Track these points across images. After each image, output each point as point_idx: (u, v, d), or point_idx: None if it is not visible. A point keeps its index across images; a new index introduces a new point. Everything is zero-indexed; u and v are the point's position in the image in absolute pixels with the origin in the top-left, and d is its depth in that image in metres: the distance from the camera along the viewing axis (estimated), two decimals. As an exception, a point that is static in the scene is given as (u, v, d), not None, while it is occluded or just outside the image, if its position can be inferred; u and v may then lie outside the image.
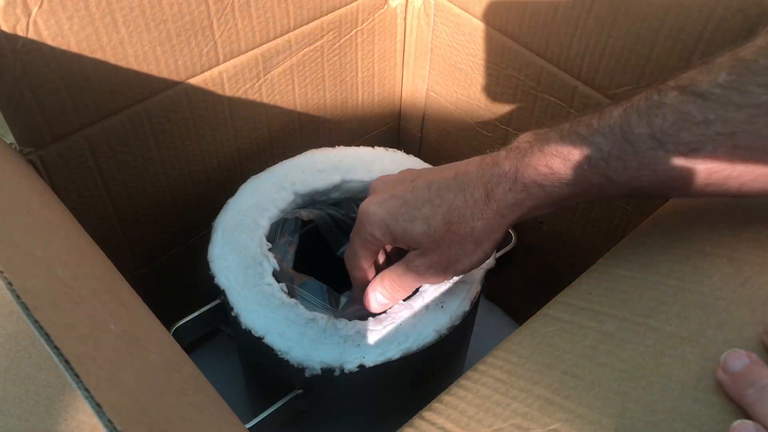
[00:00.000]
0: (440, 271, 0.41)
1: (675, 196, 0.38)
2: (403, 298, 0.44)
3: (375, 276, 0.45)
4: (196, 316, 0.46)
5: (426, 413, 0.33)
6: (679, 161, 0.32)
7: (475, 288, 0.46)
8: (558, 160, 0.35)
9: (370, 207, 0.41)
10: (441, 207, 0.39)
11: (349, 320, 0.44)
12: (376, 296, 0.44)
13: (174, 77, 0.46)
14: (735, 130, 0.30)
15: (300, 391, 0.44)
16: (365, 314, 0.45)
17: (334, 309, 0.48)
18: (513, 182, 0.37)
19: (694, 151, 0.32)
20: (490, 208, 0.38)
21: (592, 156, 0.34)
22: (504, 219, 0.38)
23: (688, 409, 0.28)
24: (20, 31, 0.37)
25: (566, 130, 0.36)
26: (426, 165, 0.54)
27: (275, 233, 0.51)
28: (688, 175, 0.32)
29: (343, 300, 0.47)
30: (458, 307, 0.45)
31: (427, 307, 0.45)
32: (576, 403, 0.30)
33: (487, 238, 0.39)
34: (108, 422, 0.18)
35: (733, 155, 0.31)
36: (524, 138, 0.38)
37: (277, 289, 0.45)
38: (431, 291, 0.45)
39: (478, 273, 0.46)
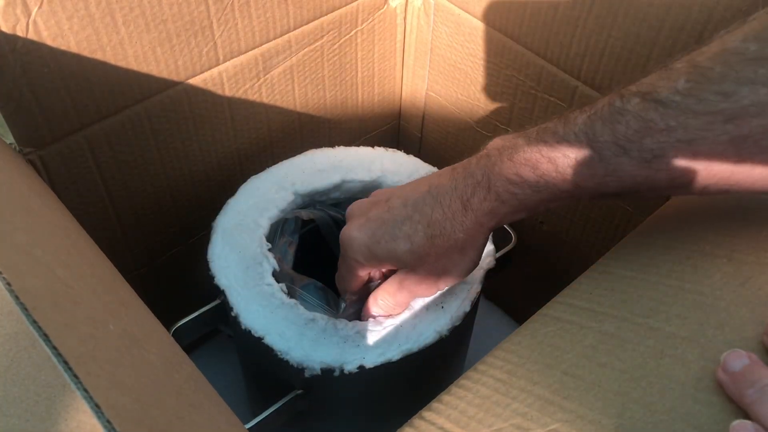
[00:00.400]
0: (431, 285, 0.42)
1: (642, 199, 0.39)
2: (400, 312, 0.44)
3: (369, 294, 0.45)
4: (196, 316, 0.46)
5: (426, 413, 0.33)
6: (642, 168, 0.33)
7: (476, 288, 0.46)
8: (527, 169, 0.36)
9: (350, 233, 0.41)
10: (421, 222, 0.39)
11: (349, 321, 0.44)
12: (374, 314, 0.45)
13: (174, 77, 0.46)
14: (694, 137, 0.31)
15: (300, 392, 0.44)
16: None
17: (333, 311, 0.48)
18: (487, 191, 0.37)
19: (657, 157, 0.32)
20: (468, 219, 0.38)
21: (558, 164, 0.35)
22: (483, 227, 0.38)
23: (688, 409, 0.28)
24: (20, 32, 0.37)
25: (533, 137, 0.36)
26: (426, 165, 0.54)
27: (275, 233, 0.51)
28: (652, 180, 0.33)
29: (343, 305, 0.48)
30: (459, 307, 0.45)
31: (427, 307, 0.45)
32: (576, 404, 0.30)
33: (471, 246, 0.39)
34: (107, 422, 0.18)
35: (693, 161, 0.32)
36: (493, 144, 0.38)
37: (277, 289, 0.45)
38: (431, 291, 0.45)
39: (478, 273, 0.46)
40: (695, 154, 0.31)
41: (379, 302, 0.44)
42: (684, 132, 0.31)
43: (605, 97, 0.34)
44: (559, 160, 0.35)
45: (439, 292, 0.44)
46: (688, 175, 0.32)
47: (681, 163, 0.32)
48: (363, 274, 0.44)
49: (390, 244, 0.40)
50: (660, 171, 0.32)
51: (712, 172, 0.32)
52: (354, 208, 0.44)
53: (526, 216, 0.38)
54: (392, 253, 0.40)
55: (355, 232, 0.41)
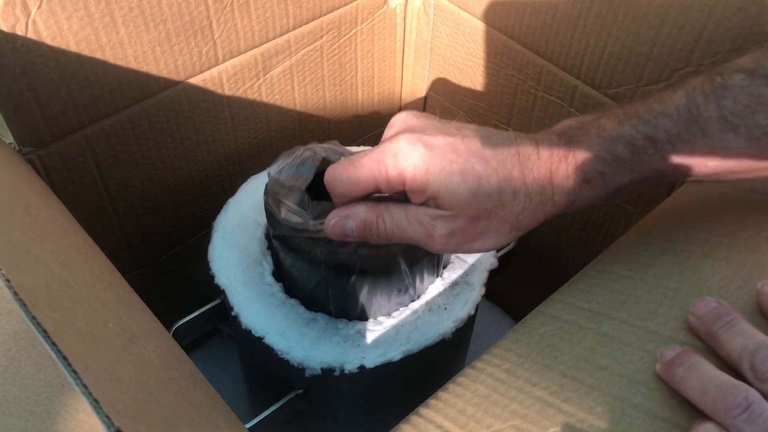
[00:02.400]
0: (458, 244, 0.35)
1: (738, 180, 0.36)
2: (384, 241, 0.36)
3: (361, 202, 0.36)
4: (196, 316, 0.46)
5: (423, 410, 0.33)
6: (750, 144, 0.31)
7: (480, 291, 0.46)
8: (620, 146, 0.33)
9: (414, 145, 0.33)
10: (498, 171, 0.33)
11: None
12: (347, 224, 0.36)
13: (173, 77, 0.46)
14: None
15: (300, 391, 0.44)
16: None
17: (307, 213, 0.40)
18: (572, 170, 0.33)
19: (766, 134, 0.31)
20: (546, 193, 0.34)
21: (658, 139, 0.32)
22: (555, 207, 0.34)
23: (688, 417, 0.28)
24: (19, 31, 0.37)
25: (621, 114, 0.33)
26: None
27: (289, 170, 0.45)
28: (757, 158, 0.31)
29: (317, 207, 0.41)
30: (462, 309, 0.44)
31: (429, 308, 0.44)
32: (575, 407, 0.30)
33: (527, 225, 0.35)
34: (106, 418, 0.18)
35: None
36: (568, 123, 0.35)
37: (278, 288, 0.45)
38: (433, 292, 0.45)
39: (482, 275, 0.46)
40: None
41: (371, 216, 0.35)
42: None
43: (698, 77, 0.32)
44: (659, 134, 0.32)
45: (443, 286, 0.44)
46: None
47: None
48: (384, 189, 0.35)
49: (454, 177, 0.33)
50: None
51: None
52: (408, 119, 0.36)
53: (600, 203, 0.35)
54: (452, 187, 0.33)
55: (420, 146, 0.33)
